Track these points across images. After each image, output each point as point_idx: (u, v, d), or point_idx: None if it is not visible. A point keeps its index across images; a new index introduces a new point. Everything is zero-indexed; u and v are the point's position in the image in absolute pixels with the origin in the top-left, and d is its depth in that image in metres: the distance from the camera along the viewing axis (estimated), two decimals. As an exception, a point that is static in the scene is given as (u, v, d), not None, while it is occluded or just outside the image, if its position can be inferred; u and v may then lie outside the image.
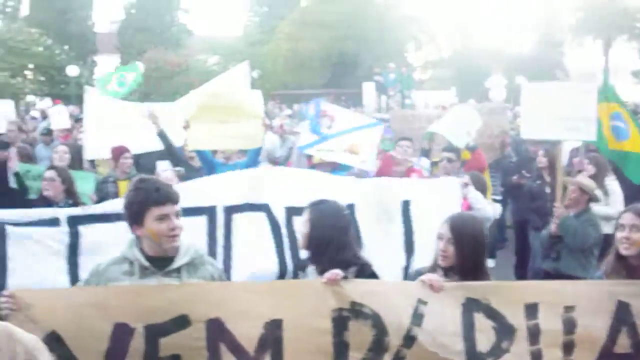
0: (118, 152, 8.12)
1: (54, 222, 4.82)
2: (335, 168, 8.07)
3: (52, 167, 6.98)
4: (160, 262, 3.56)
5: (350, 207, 5.10)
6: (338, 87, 39.37)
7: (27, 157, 8.55)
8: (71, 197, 6.64)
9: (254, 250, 5.07)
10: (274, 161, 10.54)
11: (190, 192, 4.73)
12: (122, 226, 4.01)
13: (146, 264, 3.54)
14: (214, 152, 8.34)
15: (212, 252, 4.92)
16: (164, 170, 7.43)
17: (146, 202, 3.48)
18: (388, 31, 43.08)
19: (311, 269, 4.13)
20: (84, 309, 3.36)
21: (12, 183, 7.75)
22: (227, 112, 7.58)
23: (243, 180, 5.34)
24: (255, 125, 7.71)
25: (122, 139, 8.39)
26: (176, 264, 3.59)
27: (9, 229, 4.68)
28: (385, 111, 23.17)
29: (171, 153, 8.05)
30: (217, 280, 3.78)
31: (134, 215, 3.50)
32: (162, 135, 8.00)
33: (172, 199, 3.55)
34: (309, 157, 8.45)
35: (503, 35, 51.23)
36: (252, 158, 7.87)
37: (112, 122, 8.76)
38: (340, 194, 4.65)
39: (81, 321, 3.32)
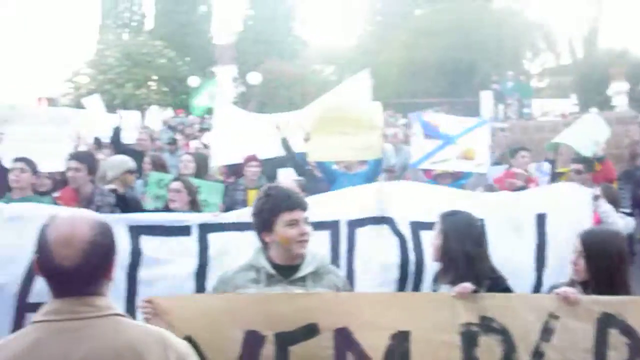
0: (246, 161, 8.30)
1: (185, 230, 4.96)
2: (458, 178, 7.96)
3: (177, 179, 7.02)
4: (286, 271, 3.61)
5: (480, 222, 4.98)
6: (453, 96, 38.85)
7: (160, 166, 8.83)
8: (195, 208, 6.61)
9: (377, 264, 5.04)
10: (389, 170, 10.49)
11: (313, 207, 4.77)
12: (250, 235, 4.13)
13: (272, 271, 3.59)
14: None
15: (335, 265, 4.93)
16: (286, 178, 7.54)
17: (277, 208, 3.53)
18: (506, 38, 42.09)
19: (443, 282, 4.06)
20: (218, 315, 3.43)
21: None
22: (347, 123, 7.65)
23: (367, 195, 5.32)
24: (375, 137, 7.72)
25: (249, 147, 8.58)
26: (302, 272, 3.62)
27: (143, 237, 4.86)
28: (503, 120, 22.66)
29: (294, 162, 8.17)
30: (341, 289, 3.79)
31: (264, 221, 3.56)
32: (285, 145, 8.14)
33: (302, 205, 3.61)
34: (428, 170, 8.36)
35: (626, 39, 48.98)
36: (373, 169, 7.87)
37: (240, 131, 8.96)
38: (470, 209, 4.56)
39: (215, 327, 3.39)
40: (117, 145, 10.88)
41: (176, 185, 6.58)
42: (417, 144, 8.31)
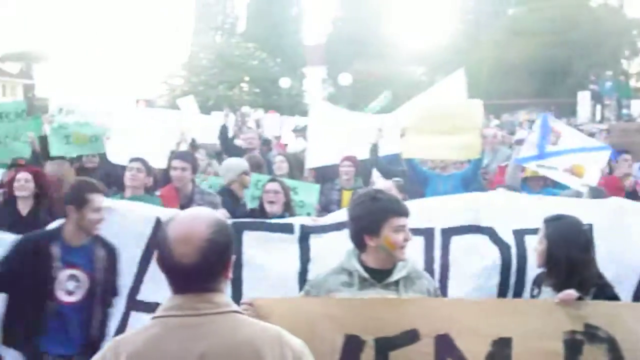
0: (341, 161, 8.31)
1: (288, 228, 5.05)
2: (546, 185, 7.77)
3: (274, 179, 6.92)
4: (378, 274, 3.59)
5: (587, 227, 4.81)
6: (545, 96, 37.85)
7: (257, 166, 8.93)
8: (289, 210, 6.51)
9: (473, 271, 4.96)
10: (484, 172, 10.30)
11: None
12: (341, 236, 4.20)
13: (365, 275, 3.57)
14: (425, 162, 8.33)
15: (429, 272, 4.89)
16: (384, 180, 7.52)
17: (386, 212, 3.52)
18: (604, 37, 40.63)
19: (546, 288, 3.97)
20: (318, 319, 3.44)
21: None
22: (445, 122, 7.55)
23: (463, 203, 5.25)
24: (474, 136, 7.59)
25: (344, 147, 8.59)
26: (395, 276, 3.59)
27: (246, 233, 4.98)
28: (600, 121, 21.92)
29: (378, 166, 8.16)
30: (433, 294, 3.75)
31: (371, 224, 3.53)
32: (373, 149, 8.17)
33: (407, 211, 3.60)
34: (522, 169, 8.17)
35: None
36: (473, 169, 7.76)
37: (336, 131, 8.97)
38: (578, 215, 4.39)
39: (315, 331, 3.40)
40: (227, 144, 11.09)
41: (274, 186, 6.48)
42: (530, 143, 8.12)
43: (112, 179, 7.34)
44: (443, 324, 3.51)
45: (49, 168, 7.36)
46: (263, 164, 9.18)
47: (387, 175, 7.99)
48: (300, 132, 13.31)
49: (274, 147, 13.29)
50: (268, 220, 5.26)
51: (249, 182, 7.10)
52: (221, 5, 54.23)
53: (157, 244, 2.28)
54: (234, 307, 2.26)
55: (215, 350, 2.13)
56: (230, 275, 2.30)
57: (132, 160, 6.48)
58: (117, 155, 7.76)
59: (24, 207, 5.97)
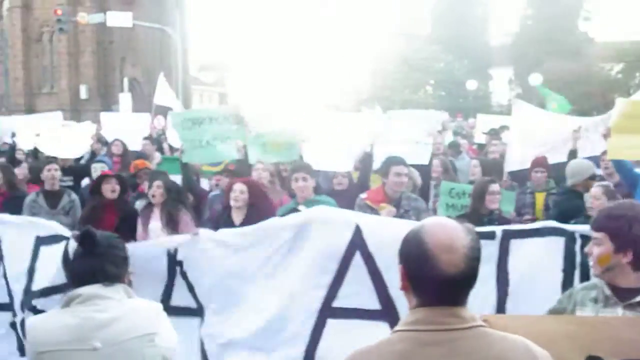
0: (533, 165, 7.96)
1: (490, 235, 4.82)
2: None
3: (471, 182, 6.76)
4: (624, 293, 3.25)
5: None
6: None
7: (446, 172, 8.68)
8: None
9: None
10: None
11: None
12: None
13: (608, 292, 3.27)
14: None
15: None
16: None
17: None
18: None
19: None
20: (556, 338, 3.22)
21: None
22: None
23: None
24: None
25: (543, 150, 8.22)
26: None
27: None
28: None
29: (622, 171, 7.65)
30: None
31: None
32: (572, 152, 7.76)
33: None
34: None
35: None
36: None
37: (538, 134, 8.61)
38: None
39: (553, 350, 3.15)
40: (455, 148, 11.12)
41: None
42: None
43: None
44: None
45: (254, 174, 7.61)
46: (450, 169, 8.98)
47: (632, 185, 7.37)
48: (493, 134, 12.87)
49: (465, 150, 12.88)
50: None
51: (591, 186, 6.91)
52: (405, 9, 54.37)
53: (407, 254, 2.14)
54: (480, 321, 2.11)
55: None
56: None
57: (296, 169, 6.50)
58: (314, 161, 7.86)
59: (237, 217, 6.16)
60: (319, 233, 5.03)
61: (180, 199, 6.50)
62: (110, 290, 2.65)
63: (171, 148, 11.51)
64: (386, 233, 4.88)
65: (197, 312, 5.21)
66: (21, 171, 8.77)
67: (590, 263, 3.31)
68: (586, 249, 3.34)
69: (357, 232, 4.92)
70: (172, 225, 6.09)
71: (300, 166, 6.54)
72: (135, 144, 11.51)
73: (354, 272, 4.92)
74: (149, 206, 6.42)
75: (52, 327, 2.63)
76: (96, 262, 2.68)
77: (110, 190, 6.57)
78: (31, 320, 2.75)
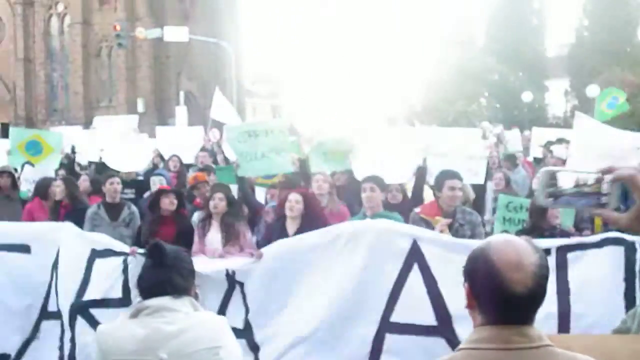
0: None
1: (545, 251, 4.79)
2: None
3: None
4: None
5: None
6: None
7: (507, 186, 8.55)
8: None
9: None
10: None
11: None
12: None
13: None
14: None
15: None
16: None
17: None
18: None
19: None
20: (622, 357, 3.17)
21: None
22: None
23: None
24: None
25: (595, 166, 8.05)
26: None
27: None
28: None
29: None
30: None
31: None
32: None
33: None
34: None
35: None
36: None
37: (599, 149, 8.44)
38: None
39: None
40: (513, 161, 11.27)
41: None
42: None
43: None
44: None
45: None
46: (508, 182, 8.86)
47: None
48: (548, 146, 12.66)
49: (521, 163, 12.71)
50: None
51: None
52: (460, 19, 53.92)
53: (473, 272, 2.12)
54: (547, 340, 2.09)
55: None
56: None
57: (365, 180, 6.46)
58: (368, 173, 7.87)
59: (291, 227, 6.23)
60: (376, 244, 5.05)
61: (240, 210, 6.60)
62: (177, 303, 2.72)
63: (226, 160, 11.66)
64: (443, 248, 4.88)
65: (242, 333, 5.24)
66: (83, 183, 9.01)
67: None
68: None
69: (415, 245, 4.92)
70: (231, 237, 6.17)
71: (370, 177, 6.49)
72: (190, 157, 11.73)
73: (410, 285, 4.93)
74: (207, 218, 6.52)
75: (121, 336, 2.71)
76: (165, 274, 2.76)
77: (169, 203, 6.71)
78: (101, 328, 2.83)
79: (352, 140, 8.27)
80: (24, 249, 6.03)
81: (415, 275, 4.92)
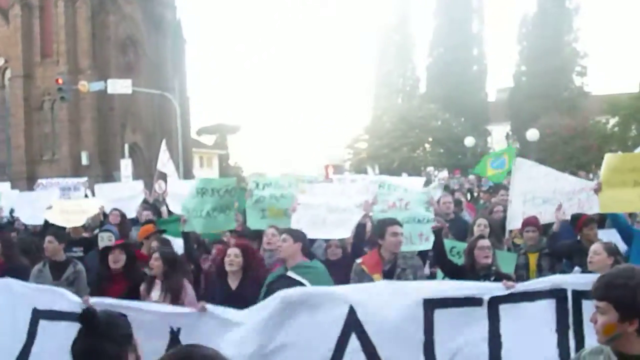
0: (524, 224, 7.95)
1: (477, 302, 4.86)
2: None
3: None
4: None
5: None
6: None
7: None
8: None
9: None
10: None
11: None
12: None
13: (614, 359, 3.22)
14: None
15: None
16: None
17: None
18: None
19: None
20: None
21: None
22: None
23: None
24: None
25: (544, 210, 8.20)
26: None
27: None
28: None
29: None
30: None
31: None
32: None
33: None
34: None
35: None
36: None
37: (538, 192, 8.58)
38: None
39: None
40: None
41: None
42: None
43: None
44: None
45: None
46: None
47: (628, 239, 7.34)
48: (492, 192, 12.91)
49: (465, 207, 12.84)
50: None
51: None
52: (402, 68, 55.05)
53: None
54: None
55: None
56: None
57: (281, 231, 6.56)
58: (308, 230, 7.84)
59: (233, 282, 6.19)
60: (311, 319, 5.04)
61: (181, 268, 6.47)
62: None
63: (170, 214, 11.53)
64: (380, 306, 4.93)
65: None
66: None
67: (594, 331, 3.25)
68: (589, 317, 3.27)
69: (352, 312, 4.95)
70: (172, 295, 6.07)
71: (285, 229, 6.57)
72: (131, 211, 11.57)
73: (350, 357, 4.92)
74: (151, 277, 6.40)
75: None
76: (96, 341, 2.69)
77: (113, 261, 6.57)
78: None
79: (291, 197, 8.19)
80: None
81: (354, 344, 4.94)
